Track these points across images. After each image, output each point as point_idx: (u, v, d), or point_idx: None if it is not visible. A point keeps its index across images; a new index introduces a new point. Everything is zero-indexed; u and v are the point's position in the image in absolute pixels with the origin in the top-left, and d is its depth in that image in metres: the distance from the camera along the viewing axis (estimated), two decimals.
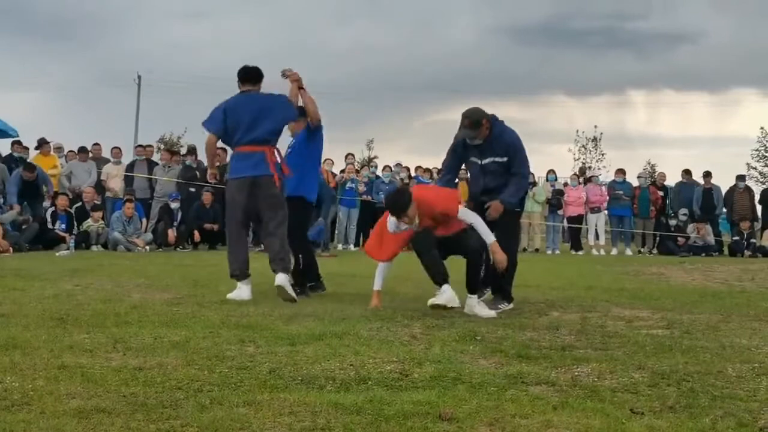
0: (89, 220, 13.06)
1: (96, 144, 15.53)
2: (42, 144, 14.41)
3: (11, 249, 11.24)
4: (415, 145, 61.98)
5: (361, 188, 15.27)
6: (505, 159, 5.59)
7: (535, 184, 16.16)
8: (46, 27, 67.62)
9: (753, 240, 15.87)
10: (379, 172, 16.57)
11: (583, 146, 41.23)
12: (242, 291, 5.85)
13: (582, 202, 16.36)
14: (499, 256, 5.25)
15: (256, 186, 5.93)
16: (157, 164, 15.21)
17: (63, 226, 12.76)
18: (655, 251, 16.12)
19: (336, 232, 15.56)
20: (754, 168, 38.46)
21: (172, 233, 13.39)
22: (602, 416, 2.70)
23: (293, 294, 5.71)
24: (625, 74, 68.70)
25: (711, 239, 15.89)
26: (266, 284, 6.03)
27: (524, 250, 15.20)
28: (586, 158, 40.73)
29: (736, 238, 15.95)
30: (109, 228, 12.99)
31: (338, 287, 6.68)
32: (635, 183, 16.80)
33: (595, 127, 42.82)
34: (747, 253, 15.41)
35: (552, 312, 5.43)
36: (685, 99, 65.89)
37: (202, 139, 6.19)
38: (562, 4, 76.67)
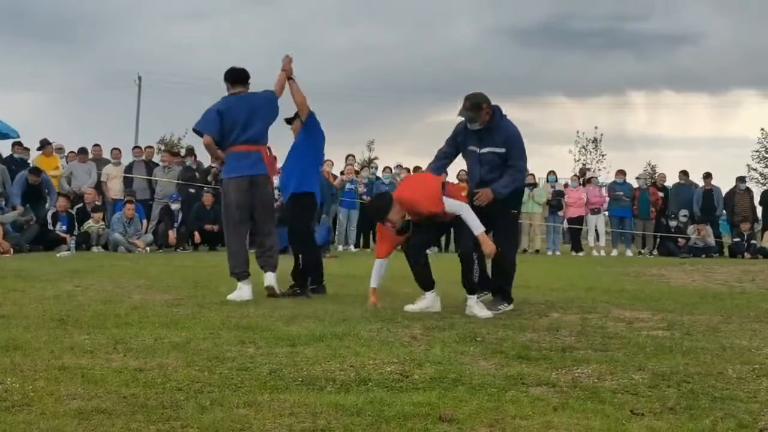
0: (90, 221, 13.09)
1: (96, 145, 15.54)
2: (44, 145, 14.42)
3: (12, 250, 11.26)
4: (416, 147, 62.02)
5: (361, 189, 15.28)
6: (503, 150, 5.57)
7: (535, 185, 16.17)
8: (46, 28, 67.80)
9: (753, 241, 15.86)
10: (379, 173, 16.59)
11: (584, 147, 41.14)
12: (243, 291, 5.87)
13: (582, 204, 16.34)
14: (488, 248, 5.27)
15: (254, 185, 6.03)
16: (156, 165, 15.22)
17: (64, 227, 12.79)
18: (655, 252, 16.10)
19: (336, 233, 15.57)
20: (755, 169, 38.53)
21: (172, 234, 13.42)
22: (602, 417, 2.71)
23: (279, 291, 5.98)
24: (625, 75, 68.98)
25: (711, 240, 15.88)
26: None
27: (524, 251, 15.20)
28: (587, 159, 40.70)
29: (737, 239, 15.94)
30: (110, 229, 13.03)
31: (338, 288, 6.68)
32: (635, 184, 16.81)
33: (596, 128, 42.62)
34: (747, 254, 15.41)
35: (552, 313, 5.43)
36: (685, 100, 66.14)
37: (201, 141, 6.21)
38: (562, 5, 76.89)
